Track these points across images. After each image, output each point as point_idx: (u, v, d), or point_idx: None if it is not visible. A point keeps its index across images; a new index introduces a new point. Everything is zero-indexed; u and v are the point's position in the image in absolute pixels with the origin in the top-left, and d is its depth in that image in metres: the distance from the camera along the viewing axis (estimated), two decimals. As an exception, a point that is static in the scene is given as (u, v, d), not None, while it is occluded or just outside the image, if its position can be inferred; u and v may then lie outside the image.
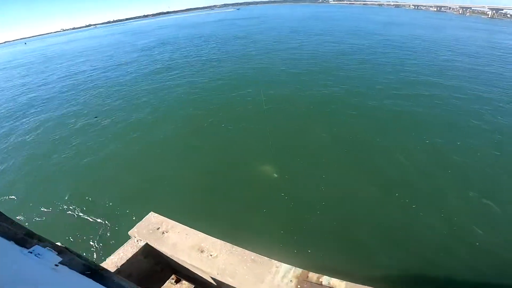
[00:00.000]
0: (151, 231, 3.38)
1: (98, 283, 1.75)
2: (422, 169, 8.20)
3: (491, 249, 5.70)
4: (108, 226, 6.93)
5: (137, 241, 3.39)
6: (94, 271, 1.86)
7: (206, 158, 9.62)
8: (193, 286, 5.00)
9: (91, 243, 6.51)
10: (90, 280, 1.81)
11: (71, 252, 1.87)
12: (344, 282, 2.68)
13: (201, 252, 3.13)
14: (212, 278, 3.38)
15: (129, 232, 3.42)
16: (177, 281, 5.02)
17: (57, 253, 1.72)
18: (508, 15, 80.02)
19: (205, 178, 8.49)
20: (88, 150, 10.84)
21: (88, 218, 7.27)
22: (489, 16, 78.39)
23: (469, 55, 23.44)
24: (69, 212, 7.59)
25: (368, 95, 14.22)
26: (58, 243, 1.93)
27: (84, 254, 6.24)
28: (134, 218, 6.81)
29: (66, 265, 1.74)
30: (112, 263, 3.48)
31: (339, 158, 8.88)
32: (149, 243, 3.34)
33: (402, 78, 17.46)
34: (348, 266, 5.11)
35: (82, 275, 1.79)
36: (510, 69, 18.99)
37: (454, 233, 6.05)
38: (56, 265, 1.56)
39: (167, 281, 4.95)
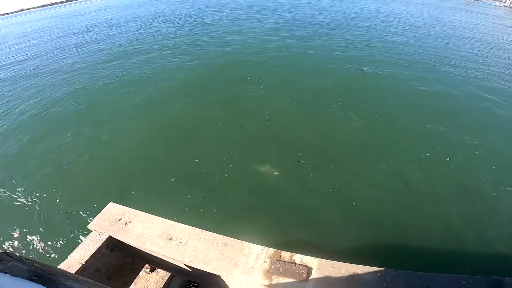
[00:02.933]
0: (112, 223, 3.33)
1: (47, 288, 1.71)
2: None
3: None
4: (62, 222, 6.63)
5: (99, 234, 3.34)
6: (41, 276, 1.81)
7: (162, 140, 9.26)
8: (169, 273, 5.17)
9: (43, 243, 6.25)
10: (39, 286, 1.77)
11: (12, 257, 1.79)
12: (316, 259, 2.88)
13: (170, 240, 3.17)
14: (186, 265, 3.48)
15: (88, 226, 3.35)
16: (152, 270, 5.15)
17: (-7, 261, 1.64)
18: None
19: (166, 161, 8.24)
20: (27, 136, 10.05)
21: (36, 215, 6.88)
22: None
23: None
24: (12, 209, 7.17)
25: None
26: (-3, 249, 1.84)
27: (39, 255, 6.07)
28: (91, 210, 6.59)
29: (7, 273, 1.67)
30: (75, 260, 3.43)
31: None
32: (112, 235, 3.31)
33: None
34: (319, 242, 5.47)
35: (28, 282, 1.74)
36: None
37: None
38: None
39: (141, 271, 5.06)
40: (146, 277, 5.14)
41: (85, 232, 6.22)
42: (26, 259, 1.93)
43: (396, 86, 12.50)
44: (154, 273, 5.13)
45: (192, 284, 5.84)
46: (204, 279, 4.57)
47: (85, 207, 6.86)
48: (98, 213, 3.42)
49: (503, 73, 14.43)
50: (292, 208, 6.63)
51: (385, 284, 2.66)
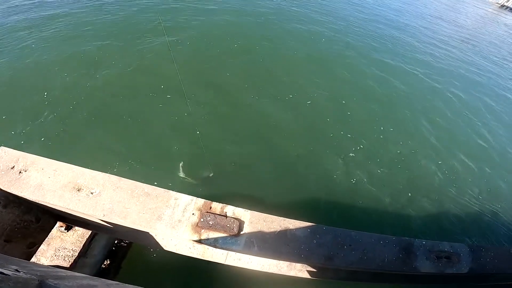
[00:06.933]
0: (3, 172, 2.77)
1: None
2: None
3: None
4: None
5: (-18, 186, 2.78)
6: None
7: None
8: (90, 231, 4.81)
9: None
10: None
11: None
12: (249, 211, 2.83)
13: (78, 190, 2.78)
14: (102, 220, 3.17)
15: (-34, 176, 2.75)
16: (67, 228, 4.71)
17: None
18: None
19: (74, 96, 7.11)
20: None
21: None
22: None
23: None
24: None
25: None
26: None
27: None
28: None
29: None
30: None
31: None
32: (2, 188, 2.78)
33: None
34: (251, 194, 5.50)
35: None
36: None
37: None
38: None
39: (54, 229, 4.59)
40: (61, 236, 4.70)
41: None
42: None
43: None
44: (71, 232, 4.70)
45: (123, 242, 5.61)
46: (133, 237, 4.33)
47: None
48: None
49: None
50: (221, 155, 6.42)
51: (315, 241, 2.78)
